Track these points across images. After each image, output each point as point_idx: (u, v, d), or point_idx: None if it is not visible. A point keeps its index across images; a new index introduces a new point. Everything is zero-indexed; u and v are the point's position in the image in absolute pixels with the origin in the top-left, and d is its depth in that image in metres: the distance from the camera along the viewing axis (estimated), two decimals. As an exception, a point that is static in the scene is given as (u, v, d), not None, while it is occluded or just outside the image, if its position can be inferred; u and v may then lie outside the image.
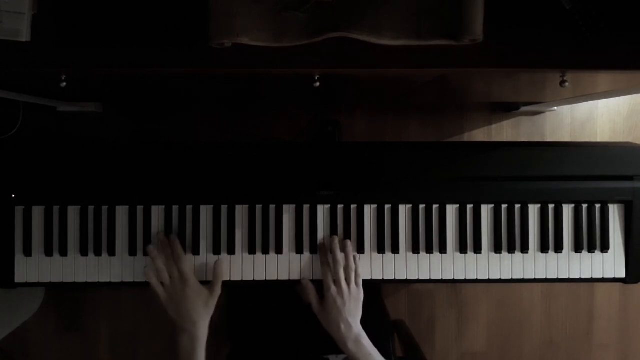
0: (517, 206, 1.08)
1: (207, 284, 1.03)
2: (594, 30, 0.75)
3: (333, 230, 1.06)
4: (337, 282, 0.99)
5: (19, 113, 1.39)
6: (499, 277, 1.08)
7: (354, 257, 1.03)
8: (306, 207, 1.07)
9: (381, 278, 1.07)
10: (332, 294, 0.98)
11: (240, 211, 1.07)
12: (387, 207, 1.07)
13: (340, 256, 1.02)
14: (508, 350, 1.56)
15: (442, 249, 1.07)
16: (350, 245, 1.04)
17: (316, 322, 1.02)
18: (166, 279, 1.00)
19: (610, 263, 1.09)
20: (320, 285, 1.03)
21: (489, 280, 1.08)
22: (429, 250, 1.07)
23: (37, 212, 1.06)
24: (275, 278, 1.06)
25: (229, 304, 1.46)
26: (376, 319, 1.01)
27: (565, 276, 1.09)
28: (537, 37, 0.76)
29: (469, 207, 1.08)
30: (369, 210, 1.07)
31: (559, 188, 1.07)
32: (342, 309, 0.97)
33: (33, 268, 1.06)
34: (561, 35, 0.76)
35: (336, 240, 1.04)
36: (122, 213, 1.07)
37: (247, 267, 1.06)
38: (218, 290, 1.01)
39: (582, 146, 1.10)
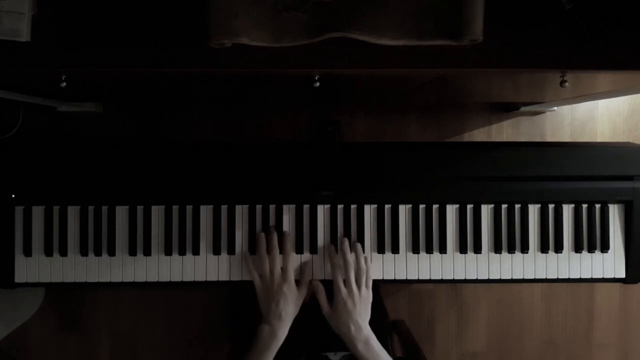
0: (517, 206, 1.08)
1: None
2: (594, 30, 0.75)
3: (333, 230, 1.07)
4: (347, 284, 0.99)
5: (19, 113, 1.39)
6: (499, 277, 1.08)
7: (365, 259, 1.03)
8: (306, 207, 1.07)
9: (381, 278, 1.07)
10: (342, 296, 0.98)
11: (240, 211, 1.07)
12: (387, 207, 1.07)
13: (351, 258, 1.02)
14: (508, 350, 1.56)
15: (442, 249, 1.07)
16: (360, 248, 1.04)
17: (316, 320, 1.02)
18: (265, 269, 1.01)
19: (610, 263, 1.09)
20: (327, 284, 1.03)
21: (489, 280, 1.08)
22: (429, 250, 1.07)
23: (37, 212, 1.06)
24: (275, 278, 1.06)
25: (229, 303, 1.47)
26: (375, 319, 1.01)
27: (565, 276, 1.09)
28: (537, 37, 0.76)
29: (469, 207, 1.08)
30: (369, 210, 1.07)
31: (559, 188, 1.07)
32: (352, 311, 0.97)
33: (33, 268, 1.06)
34: (561, 35, 0.76)
35: (346, 242, 1.04)
36: (122, 213, 1.07)
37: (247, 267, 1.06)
38: (304, 291, 1.02)
39: (582, 146, 1.10)
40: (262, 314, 0.99)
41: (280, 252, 1.03)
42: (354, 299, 0.98)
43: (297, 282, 1.03)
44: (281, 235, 1.05)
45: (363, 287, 1.00)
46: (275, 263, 1.01)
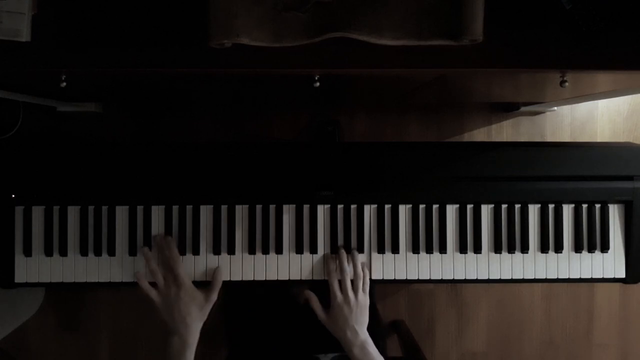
0: (517, 206, 1.08)
1: (206, 284, 1.03)
2: (594, 30, 0.75)
3: (333, 230, 1.07)
4: (343, 290, 1.00)
5: (19, 113, 1.39)
6: (499, 277, 1.08)
7: (362, 265, 1.03)
8: (306, 207, 1.07)
9: (381, 278, 1.07)
10: (338, 302, 0.99)
11: (240, 211, 1.07)
12: (387, 207, 1.07)
13: (347, 266, 1.02)
14: (508, 350, 1.56)
15: (442, 249, 1.07)
16: (358, 254, 1.04)
17: (306, 322, 1.02)
18: (160, 281, 1.00)
19: (610, 263, 1.09)
20: (320, 285, 1.03)
21: (489, 280, 1.08)
22: (429, 250, 1.07)
23: (37, 212, 1.06)
24: (275, 278, 1.06)
25: (226, 305, 1.47)
26: (369, 322, 1.01)
27: (565, 276, 1.09)
28: (537, 37, 0.76)
29: (469, 207, 1.08)
30: (369, 210, 1.07)
31: (559, 188, 1.07)
32: (348, 317, 0.97)
33: (33, 268, 1.06)
34: (561, 35, 0.76)
35: (343, 251, 1.04)
36: (122, 213, 1.07)
37: (247, 267, 1.06)
38: (214, 297, 1.01)
39: (582, 146, 1.10)
40: (168, 327, 0.98)
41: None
42: (350, 305, 0.98)
43: (209, 286, 1.02)
44: (166, 242, 1.03)
45: (360, 293, 1.00)
46: (167, 272, 1.00)
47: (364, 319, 1.00)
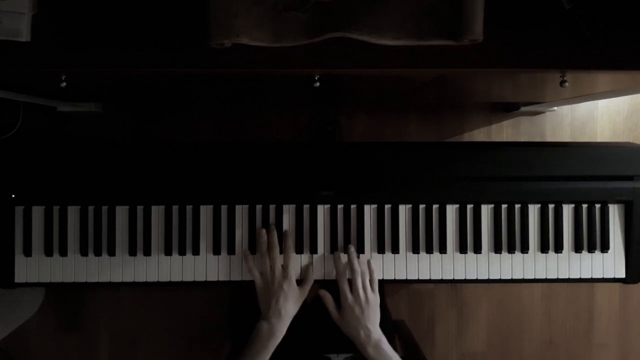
0: (517, 206, 1.08)
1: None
2: (594, 30, 0.75)
3: (333, 230, 1.07)
4: (354, 291, 1.00)
5: (19, 113, 1.39)
6: (499, 277, 1.08)
7: (368, 262, 1.04)
8: (306, 207, 1.07)
9: (381, 278, 1.07)
10: (349, 303, 0.99)
11: (240, 211, 1.07)
12: (387, 207, 1.07)
13: (357, 265, 1.02)
14: (508, 350, 1.56)
15: (442, 249, 1.07)
16: (360, 254, 1.04)
17: (318, 321, 1.02)
18: (266, 268, 1.01)
19: (610, 263, 1.09)
20: (330, 285, 1.03)
21: (489, 280, 1.08)
22: (429, 250, 1.07)
23: (37, 212, 1.06)
24: (275, 278, 1.06)
25: (231, 303, 1.47)
26: (380, 319, 1.01)
27: (565, 276, 1.09)
28: (537, 37, 0.76)
29: (469, 207, 1.08)
30: (369, 210, 1.07)
31: (559, 188, 1.07)
32: (360, 317, 0.97)
33: (33, 268, 1.06)
34: (561, 35, 0.76)
35: (352, 249, 1.04)
36: (122, 213, 1.07)
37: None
38: (306, 292, 1.02)
39: (582, 146, 1.10)
40: (261, 312, 0.99)
41: (281, 252, 1.03)
42: (361, 305, 0.98)
43: (299, 282, 1.03)
44: (282, 234, 1.05)
45: (369, 291, 1.01)
46: (275, 260, 1.01)
47: (376, 317, 1.00)
